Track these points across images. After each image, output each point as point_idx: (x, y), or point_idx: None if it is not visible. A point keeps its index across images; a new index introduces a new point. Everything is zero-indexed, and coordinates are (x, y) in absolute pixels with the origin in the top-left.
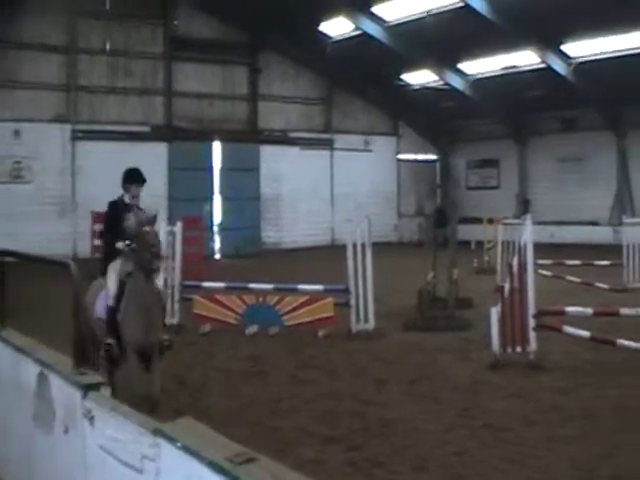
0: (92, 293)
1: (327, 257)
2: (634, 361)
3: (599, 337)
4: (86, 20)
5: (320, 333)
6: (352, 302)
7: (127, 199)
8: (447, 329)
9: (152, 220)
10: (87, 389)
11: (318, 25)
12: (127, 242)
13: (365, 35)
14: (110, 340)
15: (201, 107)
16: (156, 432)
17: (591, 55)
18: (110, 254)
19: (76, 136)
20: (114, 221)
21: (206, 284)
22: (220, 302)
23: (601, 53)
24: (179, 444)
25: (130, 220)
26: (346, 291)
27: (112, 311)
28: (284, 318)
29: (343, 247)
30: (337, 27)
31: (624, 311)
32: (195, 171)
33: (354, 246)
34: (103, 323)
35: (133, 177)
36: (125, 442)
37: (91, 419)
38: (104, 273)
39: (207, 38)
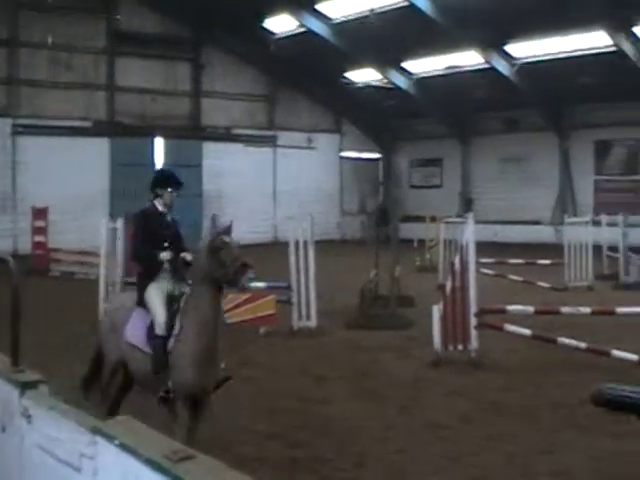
0: (120, 309)
1: (270, 254)
2: (574, 359)
3: (540, 335)
4: (28, 13)
5: (262, 330)
6: (294, 299)
7: (160, 206)
8: (389, 327)
9: (229, 229)
10: (24, 387)
11: (262, 22)
12: (171, 254)
13: (309, 32)
14: (163, 377)
15: (143, 103)
16: (94, 430)
17: (534, 56)
18: (149, 271)
19: (17, 131)
20: (149, 232)
21: None
22: None
23: (544, 54)
24: (117, 442)
25: (206, 230)
26: (288, 288)
27: (163, 342)
28: (226, 315)
29: (286, 244)
30: (281, 24)
31: (565, 309)
32: (137, 167)
33: (296, 243)
34: (138, 352)
35: (168, 180)
36: (63, 441)
37: (29, 417)
38: (141, 296)
39: (150, 33)
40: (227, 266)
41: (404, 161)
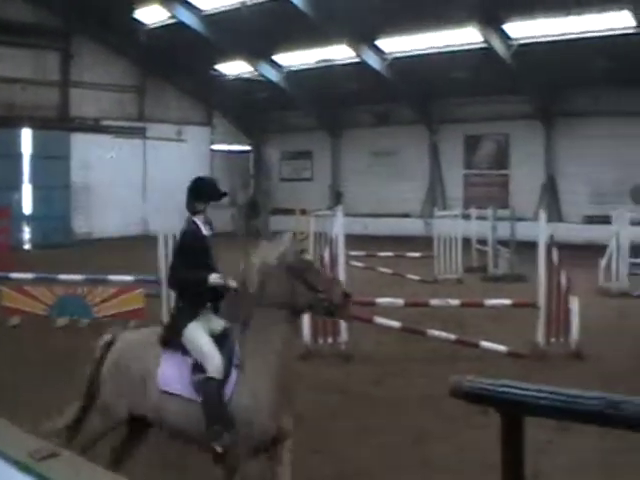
0: (136, 349)
1: (139, 247)
2: (442, 350)
3: (409, 327)
4: None
5: (132, 324)
6: (163, 293)
7: (202, 227)
8: None
9: (298, 247)
10: None
11: (132, 12)
12: (223, 277)
13: (180, 24)
14: (220, 429)
15: (11, 93)
16: None
17: (406, 51)
18: (193, 303)
19: None
20: (194, 260)
21: (14, 275)
22: (29, 294)
23: (415, 49)
24: None
25: (281, 249)
26: (157, 282)
27: (218, 386)
28: (95, 310)
29: (155, 237)
30: (152, 14)
31: (434, 302)
32: (3, 158)
33: (165, 237)
34: (179, 402)
35: (211, 192)
36: None
37: None
38: (177, 331)
39: (18, 21)
40: (320, 291)
41: (275, 154)
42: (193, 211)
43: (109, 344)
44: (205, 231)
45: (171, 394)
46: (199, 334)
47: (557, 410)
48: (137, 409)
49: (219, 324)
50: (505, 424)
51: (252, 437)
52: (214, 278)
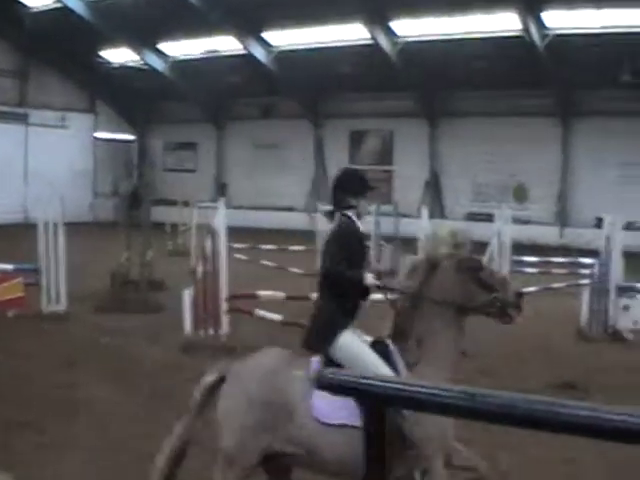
0: (275, 378)
1: (19, 236)
2: None
3: (289, 321)
4: None
5: (10, 314)
6: (43, 282)
7: (358, 223)
8: (139, 311)
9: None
10: None
11: None
12: (376, 277)
13: (65, 8)
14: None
15: None
16: None
17: (292, 45)
18: (346, 307)
19: None
20: (349, 258)
21: None
22: None
23: (302, 43)
24: None
25: (439, 243)
26: (36, 271)
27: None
28: None
29: (36, 226)
30: None
31: (315, 295)
32: None
33: (46, 225)
34: (339, 433)
35: (364, 185)
36: None
37: None
38: (326, 338)
39: None
40: (495, 290)
41: (158, 144)
42: (347, 206)
43: (215, 385)
44: (360, 224)
45: (333, 425)
46: (358, 343)
47: (417, 402)
48: (278, 446)
49: (364, 336)
50: (367, 415)
51: (436, 458)
52: (371, 279)
